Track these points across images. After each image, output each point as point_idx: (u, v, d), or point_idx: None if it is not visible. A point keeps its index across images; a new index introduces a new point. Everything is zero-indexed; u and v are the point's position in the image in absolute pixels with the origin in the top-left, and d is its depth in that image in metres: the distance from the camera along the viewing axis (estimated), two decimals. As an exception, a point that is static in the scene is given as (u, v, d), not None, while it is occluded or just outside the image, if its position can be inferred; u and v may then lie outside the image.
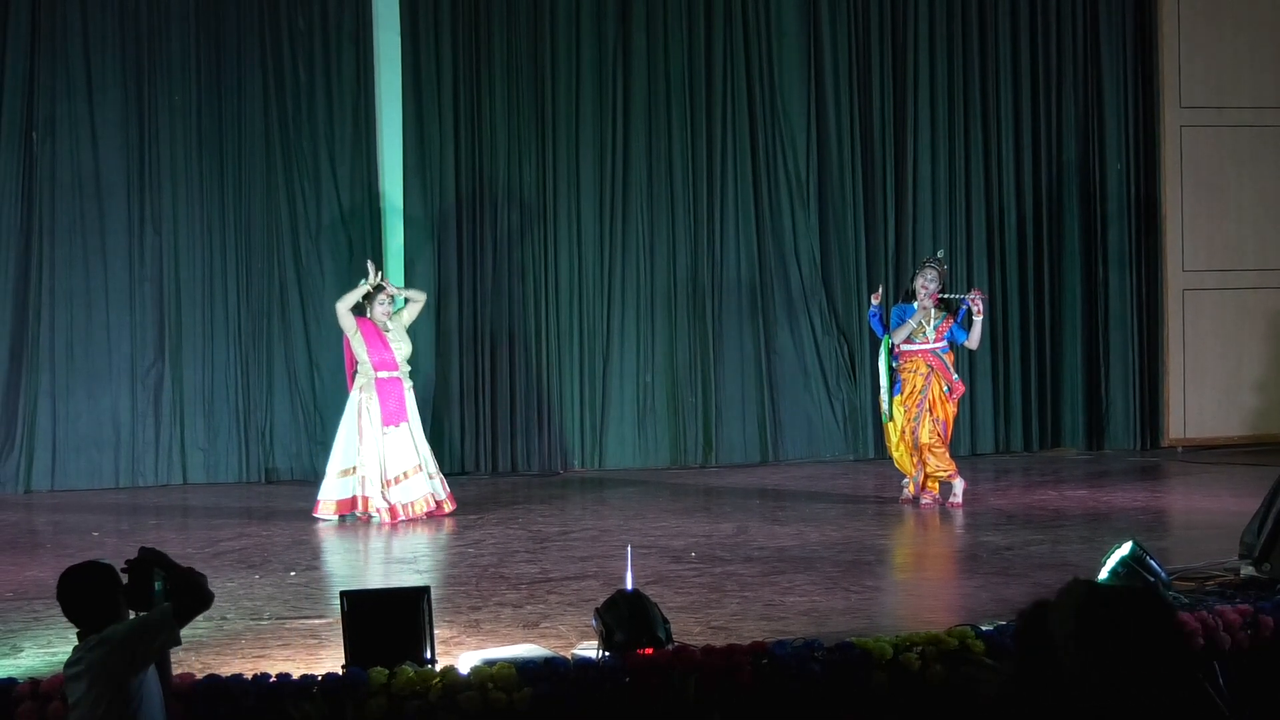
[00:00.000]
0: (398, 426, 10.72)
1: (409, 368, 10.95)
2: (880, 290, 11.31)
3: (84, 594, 4.73)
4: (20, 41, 12.35)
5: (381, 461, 10.65)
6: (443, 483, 10.94)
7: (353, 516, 10.65)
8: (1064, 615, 3.06)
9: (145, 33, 12.53)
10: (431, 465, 10.89)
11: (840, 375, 13.55)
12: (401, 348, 10.86)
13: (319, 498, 10.81)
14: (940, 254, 11.43)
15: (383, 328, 10.84)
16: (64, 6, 12.41)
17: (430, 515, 10.67)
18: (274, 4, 12.73)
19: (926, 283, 10.79)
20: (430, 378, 12.52)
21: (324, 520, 10.63)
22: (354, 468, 10.71)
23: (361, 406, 10.75)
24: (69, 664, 4.65)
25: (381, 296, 10.87)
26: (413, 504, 10.66)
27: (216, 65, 12.65)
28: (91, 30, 12.47)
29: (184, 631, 7.28)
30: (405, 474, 10.69)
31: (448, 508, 10.81)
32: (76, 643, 4.70)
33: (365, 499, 10.67)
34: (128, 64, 12.52)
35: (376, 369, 10.74)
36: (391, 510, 10.60)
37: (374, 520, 10.61)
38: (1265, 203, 13.98)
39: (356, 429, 10.74)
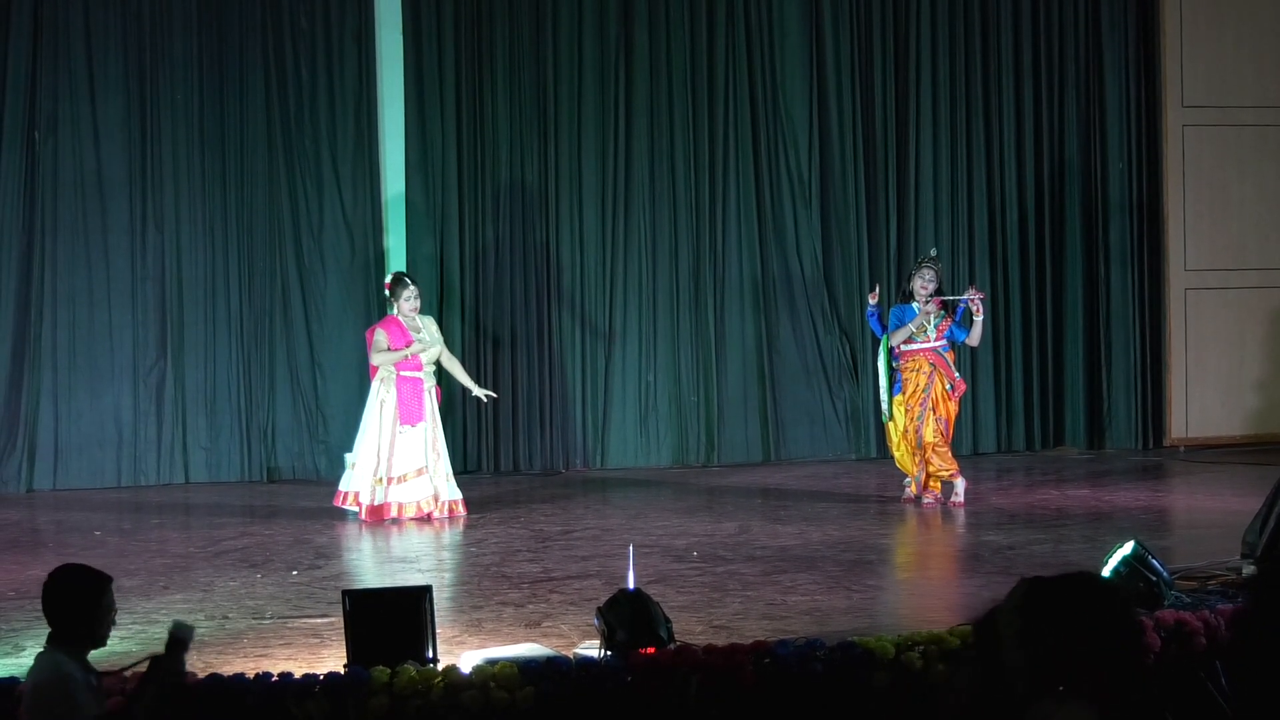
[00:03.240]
0: (414, 426, 10.67)
1: (434, 367, 10.92)
2: (877, 290, 11.31)
3: (69, 598, 4.66)
4: (22, 41, 12.35)
5: (384, 458, 10.63)
6: (455, 486, 10.88)
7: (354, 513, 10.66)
8: (1009, 615, 3.01)
9: (147, 32, 12.53)
10: (447, 468, 10.84)
11: (842, 374, 13.55)
12: (428, 350, 10.81)
13: (340, 489, 10.83)
14: (934, 252, 11.43)
15: (412, 327, 10.82)
16: (66, 6, 12.41)
17: (428, 517, 10.64)
18: (276, 3, 12.73)
19: (925, 283, 10.79)
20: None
21: (350, 510, 10.66)
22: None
23: (379, 400, 10.74)
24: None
25: (408, 293, 10.84)
26: (404, 506, 10.63)
27: (219, 64, 12.65)
28: (94, 29, 12.47)
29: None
30: (406, 476, 10.66)
31: (458, 509, 10.75)
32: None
33: (354, 493, 10.68)
34: (130, 63, 12.52)
35: (399, 366, 10.71)
36: (379, 509, 10.57)
37: (350, 516, 10.61)
38: (1267, 202, 13.98)
39: (369, 423, 10.73)
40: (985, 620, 3.13)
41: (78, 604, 4.64)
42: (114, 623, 4.80)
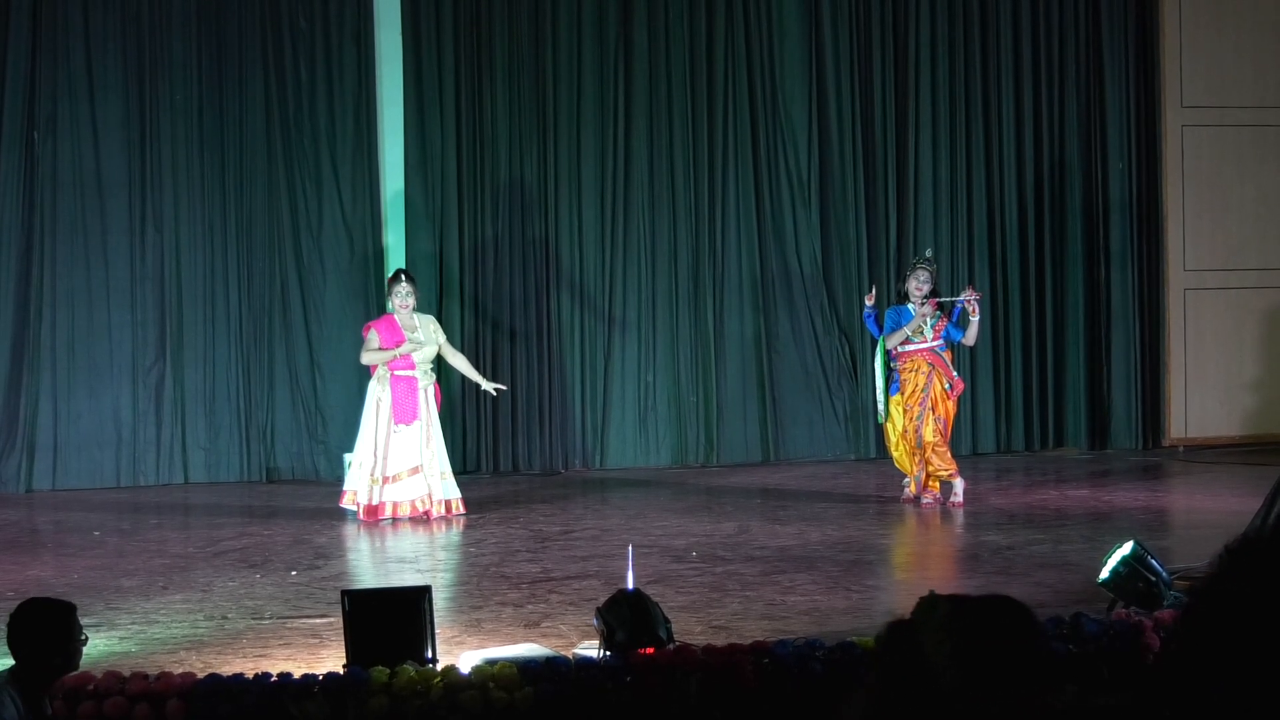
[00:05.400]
0: (409, 425, 10.69)
1: (430, 366, 10.92)
2: (874, 291, 11.33)
3: (37, 630, 4.56)
4: (21, 41, 12.35)
5: (380, 457, 10.64)
6: (454, 485, 10.90)
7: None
8: (937, 637, 3.03)
9: (146, 32, 12.53)
10: (443, 466, 10.84)
11: (841, 374, 13.55)
12: (422, 349, 10.81)
13: (344, 488, 10.86)
14: (929, 253, 11.43)
15: (406, 326, 10.81)
16: (65, 6, 12.41)
17: (426, 516, 10.65)
18: (275, 3, 12.73)
19: (920, 284, 10.79)
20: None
21: (349, 510, 10.67)
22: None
23: (375, 399, 10.76)
24: None
25: (399, 289, 10.85)
26: (399, 505, 10.64)
27: (218, 64, 12.65)
28: (93, 30, 12.47)
29: (185, 631, 7.33)
30: (400, 475, 10.67)
31: (456, 509, 10.77)
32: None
33: (354, 492, 10.70)
34: (129, 63, 12.52)
35: (392, 366, 10.73)
36: (374, 509, 10.58)
37: (349, 515, 10.62)
38: (1266, 202, 13.98)
39: (366, 422, 10.76)
40: (895, 634, 3.14)
41: (44, 637, 4.54)
42: (81, 650, 4.72)
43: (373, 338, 10.77)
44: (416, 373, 10.76)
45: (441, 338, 11.04)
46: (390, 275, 11.23)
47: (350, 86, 12.85)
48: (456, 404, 12.67)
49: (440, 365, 11.12)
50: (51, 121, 12.41)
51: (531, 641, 6.81)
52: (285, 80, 12.76)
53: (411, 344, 10.73)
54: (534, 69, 13.10)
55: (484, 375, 11.54)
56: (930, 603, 3.10)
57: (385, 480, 10.63)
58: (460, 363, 11.23)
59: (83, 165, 12.45)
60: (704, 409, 13.37)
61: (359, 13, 12.87)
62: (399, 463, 10.66)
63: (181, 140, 12.59)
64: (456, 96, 12.97)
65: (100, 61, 12.48)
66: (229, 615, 7.62)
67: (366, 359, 10.82)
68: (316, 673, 5.98)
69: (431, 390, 10.86)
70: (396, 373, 10.71)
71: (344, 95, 12.84)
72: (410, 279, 10.99)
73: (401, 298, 10.80)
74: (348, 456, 11.52)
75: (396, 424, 10.67)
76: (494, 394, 11.46)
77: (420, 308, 11.06)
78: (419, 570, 8.98)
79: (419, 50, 12.93)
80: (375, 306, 12.48)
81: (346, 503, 10.72)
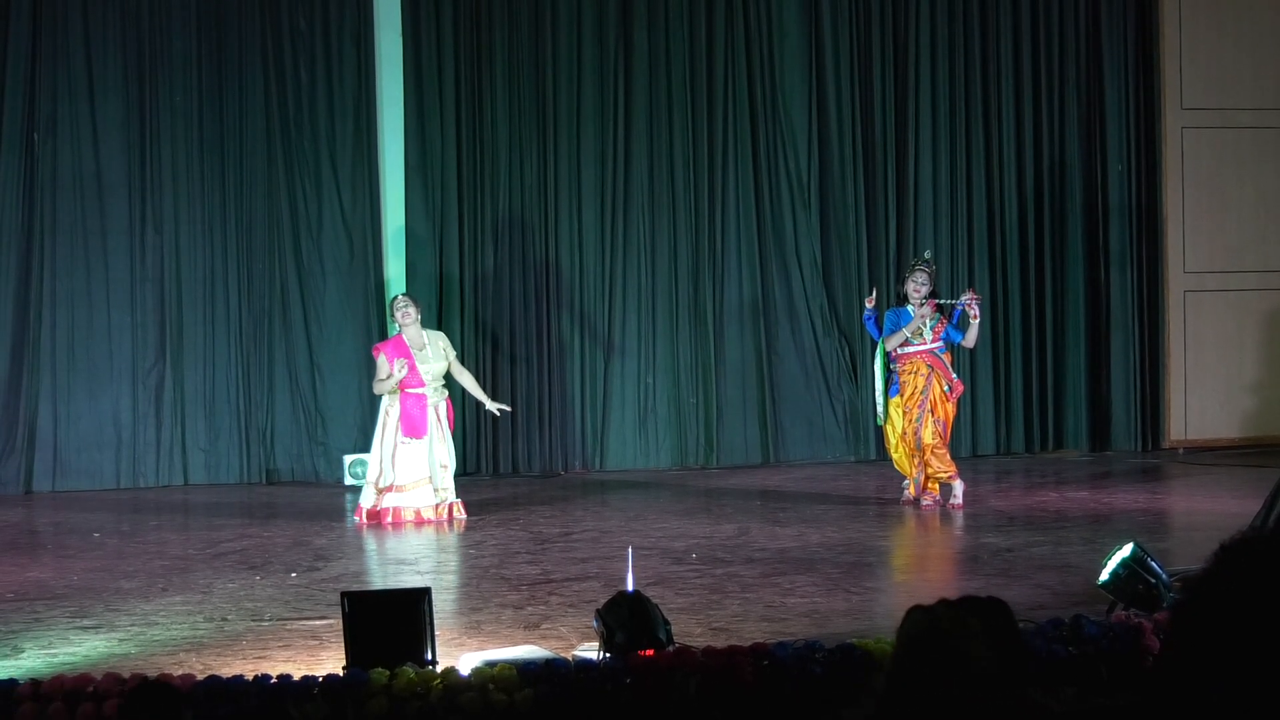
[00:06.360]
0: (419, 439, 10.68)
1: (441, 383, 10.90)
2: (874, 293, 11.32)
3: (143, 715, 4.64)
4: (21, 42, 12.36)
5: (386, 469, 10.63)
6: (453, 492, 10.88)
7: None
8: (979, 640, 3.05)
9: (146, 33, 12.53)
10: (448, 479, 10.83)
11: (841, 376, 13.55)
12: (430, 366, 10.82)
13: (360, 504, 10.81)
14: (928, 254, 11.43)
15: (415, 344, 10.79)
16: (65, 7, 12.41)
17: (425, 523, 10.64)
18: (275, 4, 12.73)
19: (918, 286, 10.78)
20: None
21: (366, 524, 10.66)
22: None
23: (384, 410, 10.76)
24: None
25: (401, 310, 10.83)
26: (400, 510, 10.64)
27: (218, 65, 12.65)
28: (93, 31, 12.47)
29: (185, 632, 7.33)
30: (405, 486, 10.67)
31: (458, 512, 10.75)
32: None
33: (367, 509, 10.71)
34: (129, 64, 12.52)
35: (403, 385, 10.70)
36: (377, 514, 10.59)
37: (350, 522, 10.62)
38: (1266, 204, 13.98)
39: (375, 434, 10.77)
40: (918, 647, 3.14)
41: None
42: None
43: (381, 364, 10.73)
44: (426, 389, 10.76)
45: (452, 355, 11.04)
46: (390, 302, 11.23)
47: (350, 88, 12.85)
48: (456, 406, 12.63)
49: (449, 379, 11.12)
50: (51, 122, 12.41)
51: (531, 643, 6.80)
52: (285, 81, 12.76)
53: (418, 361, 10.68)
54: (534, 70, 13.10)
55: (480, 381, 11.54)
56: (951, 608, 3.10)
57: (390, 489, 10.64)
58: (467, 381, 11.24)
59: (83, 166, 12.45)
60: (704, 411, 13.37)
61: (359, 14, 12.88)
62: (405, 475, 10.66)
63: (181, 141, 12.60)
64: (456, 98, 12.97)
65: (100, 62, 12.49)
66: (229, 617, 7.62)
67: (378, 390, 10.80)
68: (316, 674, 5.98)
69: (443, 406, 10.86)
70: (408, 390, 10.70)
71: (344, 97, 12.84)
72: (412, 299, 10.98)
73: (409, 319, 10.79)
74: (347, 458, 11.48)
75: (405, 437, 10.67)
76: (496, 414, 11.42)
77: (423, 322, 11.04)
78: (419, 572, 8.98)
79: (419, 52, 12.93)
80: (375, 308, 12.52)
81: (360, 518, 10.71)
